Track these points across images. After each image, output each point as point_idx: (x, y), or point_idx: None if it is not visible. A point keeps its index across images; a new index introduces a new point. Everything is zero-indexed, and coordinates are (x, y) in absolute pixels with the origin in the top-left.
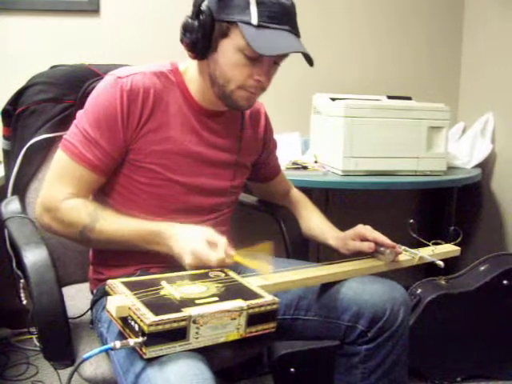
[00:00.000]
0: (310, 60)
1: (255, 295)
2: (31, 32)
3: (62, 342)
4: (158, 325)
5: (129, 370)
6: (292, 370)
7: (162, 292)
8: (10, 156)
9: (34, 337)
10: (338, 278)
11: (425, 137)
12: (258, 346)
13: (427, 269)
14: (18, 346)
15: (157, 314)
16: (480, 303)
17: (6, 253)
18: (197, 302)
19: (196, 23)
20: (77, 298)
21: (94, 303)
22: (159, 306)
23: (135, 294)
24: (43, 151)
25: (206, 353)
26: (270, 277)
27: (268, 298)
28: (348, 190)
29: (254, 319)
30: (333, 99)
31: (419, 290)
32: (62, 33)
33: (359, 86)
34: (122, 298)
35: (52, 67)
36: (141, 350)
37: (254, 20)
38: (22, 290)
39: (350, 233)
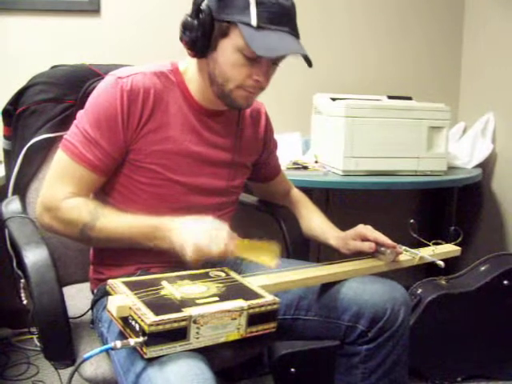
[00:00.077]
0: (308, 61)
1: (256, 295)
2: (32, 32)
3: (62, 342)
4: (158, 325)
5: (129, 369)
6: (292, 370)
7: (163, 292)
8: (10, 156)
9: (34, 337)
10: (338, 278)
11: (425, 137)
12: (259, 345)
13: (428, 269)
14: (18, 345)
15: (157, 313)
16: (480, 303)
17: (7, 253)
18: (197, 301)
19: (196, 22)
20: (77, 298)
21: (94, 303)
22: (160, 305)
23: (136, 294)
24: (44, 151)
25: (207, 353)
26: (271, 277)
27: (268, 297)
28: (348, 190)
29: (254, 319)
30: (333, 99)
31: (419, 290)
32: (63, 33)
33: (360, 86)
34: (122, 298)
35: (52, 67)
36: (141, 349)
37: (254, 21)
38: (22, 290)
39: (350, 233)
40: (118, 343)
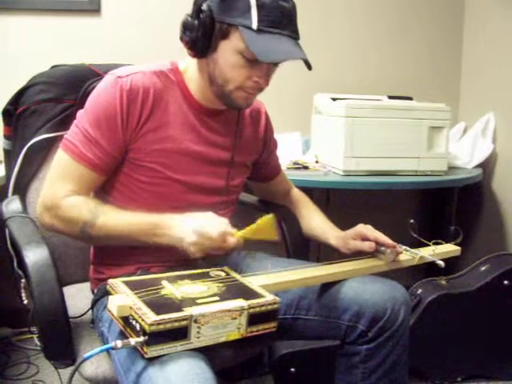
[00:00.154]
0: (308, 65)
1: (256, 295)
2: (32, 32)
3: (62, 342)
4: (159, 324)
5: (130, 369)
6: (292, 369)
7: (163, 291)
8: (10, 156)
9: (34, 336)
10: (338, 278)
11: (425, 137)
12: (259, 345)
13: (428, 269)
14: (18, 345)
15: (158, 313)
16: (480, 303)
17: (7, 252)
18: (198, 301)
19: (196, 22)
20: (77, 298)
21: (94, 303)
22: (160, 305)
23: (136, 294)
24: (44, 151)
25: (207, 352)
26: (271, 276)
27: (269, 297)
28: (349, 190)
29: (254, 319)
30: (334, 99)
31: (420, 290)
32: (63, 32)
33: (360, 86)
34: (123, 298)
35: (53, 67)
36: (142, 349)
37: (255, 24)
38: (22, 290)
39: (350, 232)
40: (119, 343)
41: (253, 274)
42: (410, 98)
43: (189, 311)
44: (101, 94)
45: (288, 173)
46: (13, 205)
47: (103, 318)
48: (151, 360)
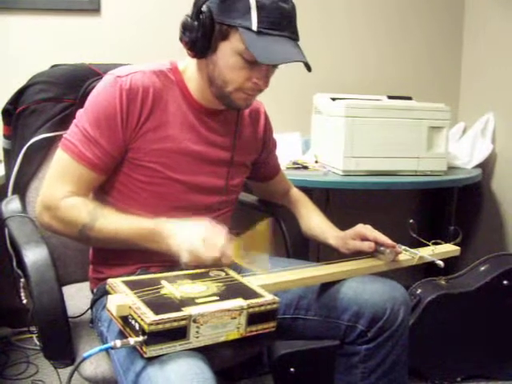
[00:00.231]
0: (308, 67)
1: (255, 294)
2: (32, 31)
3: (62, 341)
4: (158, 324)
5: (129, 368)
6: (292, 369)
7: (163, 291)
8: (10, 155)
9: (34, 336)
10: (337, 278)
11: (425, 137)
12: (258, 345)
13: (427, 269)
14: (18, 344)
15: (157, 313)
16: (480, 303)
17: (7, 252)
18: (197, 301)
19: (196, 23)
20: (77, 297)
21: (94, 302)
22: (159, 305)
23: (136, 293)
24: (43, 150)
25: (207, 352)
26: (271, 276)
27: (268, 297)
28: (348, 190)
29: (254, 318)
30: (333, 99)
31: (419, 290)
32: (63, 32)
33: (360, 85)
34: (122, 297)
35: (52, 66)
36: (141, 349)
37: (255, 26)
38: (22, 289)
39: (350, 232)
40: (118, 342)
41: (252, 273)
42: (409, 98)
43: (188, 311)
44: (100, 93)
45: (288, 173)
46: (12, 204)
47: (102, 318)
48: (150, 360)
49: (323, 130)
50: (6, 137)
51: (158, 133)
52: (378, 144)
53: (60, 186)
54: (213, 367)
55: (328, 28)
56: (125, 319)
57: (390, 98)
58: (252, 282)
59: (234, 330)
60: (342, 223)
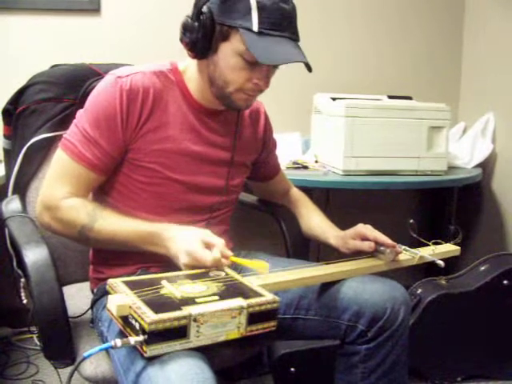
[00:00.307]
0: (309, 67)
1: (256, 294)
2: (32, 31)
3: (62, 341)
4: (158, 323)
5: (129, 368)
6: (292, 369)
7: (163, 291)
8: (10, 155)
9: (34, 336)
10: (338, 278)
11: (425, 137)
12: (259, 345)
13: (427, 268)
14: (18, 345)
15: (157, 312)
16: (480, 303)
17: (7, 252)
18: (197, 300)
19: (196, 24)
20: (77, 297)
21: (94, 302)
22: (160, 304)
23: (136, 293)
24: (44, 150)
25: (207, 352)
26: (271, 276)
27: (268, 296)
28: (348, 190)
29: (254, 318)
30: (333, 99)
31: (419, 290)
32: (63, 32)
33: (360, 85)
34: (122, 297)
35: (53, 66)
36: (141, 348)
37: (255, 27)
38: (22, 289)
39: (350, 232)
40: (118, 342)
41: (253, 273)
42: (409, 98)
43: (188, 310)
44: (100, 93)
45: (288, 172)
46: (12, 204)
47: (103, 318)
48: (151, 359)
49: (323, 130)
50: (6, 137)
51: (158, 133)
52: (378, 144)
53: (59, 187)
54: (213, 367)
55: (328, 28)
56: (125, 319)
57: (390, 97)
58: (252, 281)
59: (235, 329)
60: (342, 223)
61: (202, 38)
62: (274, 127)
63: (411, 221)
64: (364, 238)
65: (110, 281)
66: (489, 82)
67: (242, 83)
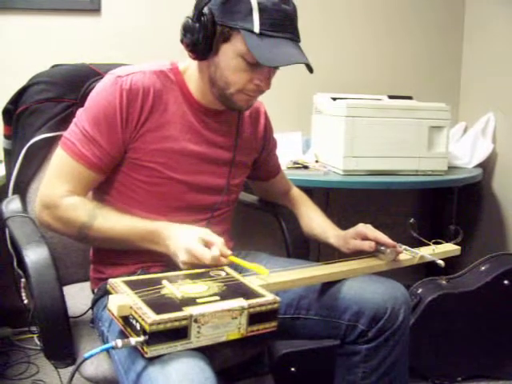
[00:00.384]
0: (310, 68)
1: (256, 294)
2: (32, 31)
3: (62, 341)
4: (159, 324)
5: (130, 368)
6: (293, 369)
7: (164, 291)
8: (10, 155)
9: (34, 336)
10: (338, 278)
11: (426, 136)
12: (259, 345)
13: (428, 268)
14: (18, 344)
15: (158, 313)
16: (481, 303)
17: (7, 252)
18: (198, 301)
19: (197, 25)
20: (78, 297)
21: (94, 302)
22: (160, 305)
23: (136, 293)
24: (44, 150)
25: (208, 352)
26: (271, 276)
27: (269, 297)
28: (349, 190)
29: (255, 318)
30: (334, 99)
31: (420, 290)
32: (63, 32)
33: (360, 85)
34: (123, 297)
35: (53, 66)
36: (142, 349)
37: (257, 28)
38: (22, 289)
39: (350, 232)
40: (119, 342)
41: (253, 273)
42: (410, 98)
43: (189, 311)
44: (100, 93)
45: (288, 172)
46: (13, 204)
47: (103, 318)
48: (151, 360)
49: (324, 130)
50: (6, 137)
51: (158, 133)
52: (378, 144)
53: (59, 185)
54: (214, 367)
55: (328, 28)
56: (126, 319)
57: (391, 97)
58: (253, 281)
59: (235, 329)
60: (343, 223)
61: (202, 39)
62: (274, 127)
63: (412, 220)
64: (364, 238)
65: (111, 281)
66: (489, 81)
67: (244, 84)
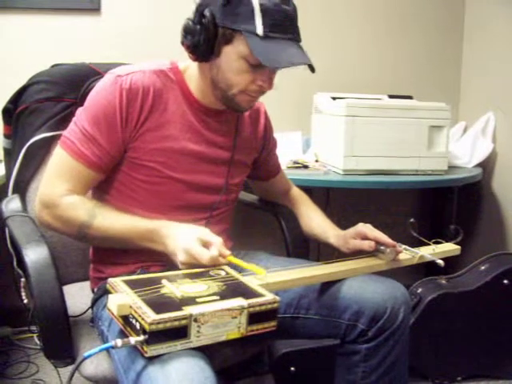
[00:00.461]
0: (312, 68)
1: (256, 294)
2: (32, 30)
3: (62, 341)
4: (159, 323)
5: (130, 368)
6: (292, 368)
7: (163, 290)
8: (10, 155)
9: (34, 335)
10: (338, 277)
11: (426, 136)
12: (259, 344)
13: (428, 268)
14: (18, 344)
15: (158, 312)
16: (480, 303)
17: (7, 251)
18: (198, 300)
19: (198, 27)
20: (77, 297)
21: (94, 301)
22: (160, 304)
23: (136, 293)
24: (44, 150)
25: (207, 351)
26: (271, 276)
27: (269, 296)
28: (349, 189)
29: (254, 318)
30: (334, 98)
31: (420, 290)
32: (63, 31)
33: (360, 85)
34: (123, 297)
35: (53, 66)
36: (142, 348)
37: (259, 30)
38: (22, 289)
39: (350, 231)
40: (119, 342)
41: (252, 273)
42: (410, 97)
43: (188, 310)
44: (100, 92)
45: (288, 172)
46: (13, 204)
47: (103, 317)
48: (151, 359)
49: (324, 129)
50: (6, 136)
51: (158, 132)
52: (378, 143)
53: (58, 184)
54: (213, 367)
55: (328, 27)
56: (125, 318)
57: (391, 97)
58: (252, 281)
59: (235, 329)
60: (342, 222)
61: (204, 41)
62: (274, 126)
63: (412, 220)
64: (364, 238)
65: (110, 280)
66: (489, 81)
67: (246, 85)
